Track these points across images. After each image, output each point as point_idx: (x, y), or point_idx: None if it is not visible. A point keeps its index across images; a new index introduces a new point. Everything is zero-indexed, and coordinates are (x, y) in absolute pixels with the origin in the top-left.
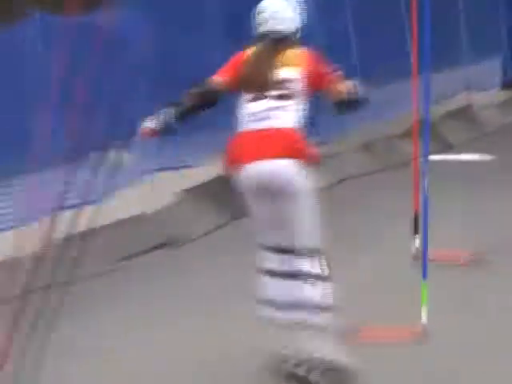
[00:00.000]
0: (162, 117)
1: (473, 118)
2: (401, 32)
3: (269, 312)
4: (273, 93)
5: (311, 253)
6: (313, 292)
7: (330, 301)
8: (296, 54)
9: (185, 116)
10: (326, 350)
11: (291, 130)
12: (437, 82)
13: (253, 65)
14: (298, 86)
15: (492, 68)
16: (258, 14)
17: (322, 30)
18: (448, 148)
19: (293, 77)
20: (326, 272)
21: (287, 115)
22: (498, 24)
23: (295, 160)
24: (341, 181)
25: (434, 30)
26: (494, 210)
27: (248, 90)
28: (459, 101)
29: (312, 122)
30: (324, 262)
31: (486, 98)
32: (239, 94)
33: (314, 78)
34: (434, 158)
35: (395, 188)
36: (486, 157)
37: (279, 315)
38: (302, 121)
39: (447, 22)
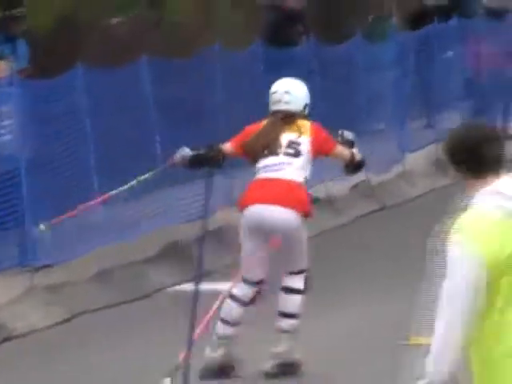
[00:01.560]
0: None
1: None
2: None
3: (226, 329)
4: (283, 151)
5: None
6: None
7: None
8: (303, 124)
9: (196, 162)
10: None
11: (298, 183)
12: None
13: (264, 132)
14: (305, 148)
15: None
16: (272, 93)
17: None
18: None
19: (300, 141)
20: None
21: (295, 171)
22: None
23: (296, 211)
24: (70, 319)
25: None
26: None
27: (250, 152)
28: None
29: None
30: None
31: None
32: (244, 158)
33: (318, 143)
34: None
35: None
36: None
37: (232, 330)
38: (307, 178)
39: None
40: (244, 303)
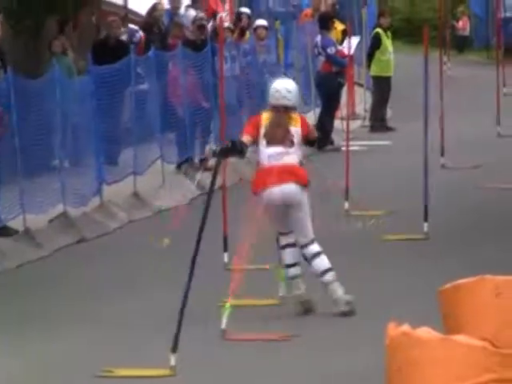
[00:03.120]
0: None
1: None
2: None
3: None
4: (284, 142)
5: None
6: (325, 261)
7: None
8: (296, 117)
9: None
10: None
11: (297, 166)
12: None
13: (275, 124)
14: (298, 138)
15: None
16: (276, 91)
17: None
18: None
19: (295, 132)
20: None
21: (293, 157)
22: None
23: (300, 185)
24: None
25: None
26: None
27: (271, 140)
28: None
29: None
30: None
31: None
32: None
33: (305, 133)
34: None
35: None
36: None
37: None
38: (301, 159)
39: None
40: (294, 245)
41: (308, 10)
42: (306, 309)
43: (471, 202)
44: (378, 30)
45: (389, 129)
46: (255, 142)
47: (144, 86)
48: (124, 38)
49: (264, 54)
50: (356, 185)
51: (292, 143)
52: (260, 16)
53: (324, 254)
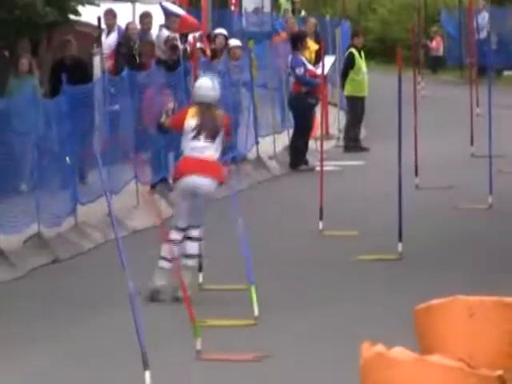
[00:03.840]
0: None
1: None
2: None
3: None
4: (205, 136)
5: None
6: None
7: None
8: (218, 113)
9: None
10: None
11: (215, 161)
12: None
13: (202, 118)
14: (219, 134)
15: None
16: (198, 88)
17: None
18: None
19: (217, 129)
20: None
21: (212, 151)
22: None
23: (214, 179)
24: None
25: None
26: None
27: (198, 132)
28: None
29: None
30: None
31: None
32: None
33: (226, 129)
34: None
35: None
36: None
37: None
38: (220, 154)
39: None
40: (178, 243)
41: (283, 34)
42: (153, 297)
43: (445, 222)
44: (352, 49)
45: (363, 149)
46: (175, 129)
47: (117, 107)
48: (97, 58)
49: (238, 74)
50: (330, 205)
51: (214, 138)
52: (234, 36)
53: (201, 243)
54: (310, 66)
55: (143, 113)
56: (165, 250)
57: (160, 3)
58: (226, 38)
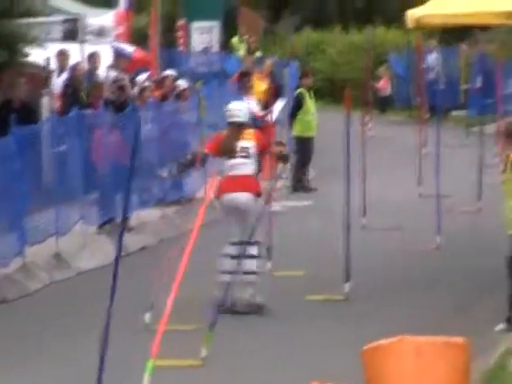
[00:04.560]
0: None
1: None
2: None
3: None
4: (240, 154)
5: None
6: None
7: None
8: (249, 132)
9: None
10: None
11: (252, 176)
12: None
13: (227, 140)
14: (253, 151)
15: None
16: (228, 110)
17: None
18: None
19: (249, 145)
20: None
21: (249, 167)
22: None
23: (254, 195)
24: None
25: None
26: None
27: (226, 154)
28: None
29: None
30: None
31: None
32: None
33: (260, 146)
34: None
35: None
36: None
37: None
38: (256, 170)
39: None
40: (234, 257)
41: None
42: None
43: (392, 262)
44: (301, 90)
45: (310, 189)
46: (213, 155)
47: (65, 147)
48: (46, 98)
49: (186, 114)
50: (278, 245)
51: (248, 155)
52: (182, 76)
53: (258, 261)
54: (252, 107)
55: (92, 153)
56: (222, 264)
57: (111, 44)
58: (175, 79)
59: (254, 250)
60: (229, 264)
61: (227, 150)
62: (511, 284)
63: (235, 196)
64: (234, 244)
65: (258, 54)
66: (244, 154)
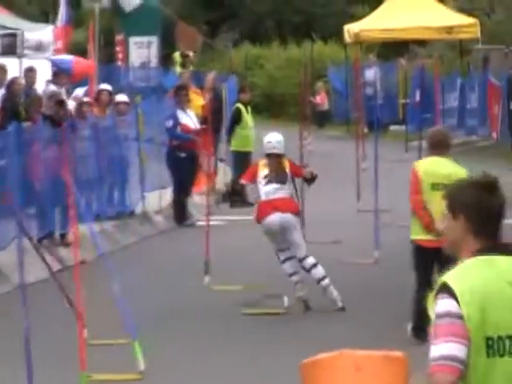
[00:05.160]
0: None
1: None
2: None
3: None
4: (278, 180)
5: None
6: (320, 270)
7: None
8: (285, 160)
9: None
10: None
11: (291, 199)
12: None
13: (272, 169)
14: (288, 177)
15: None
16: (268, 142)
17: None
18: None
19: (286, 173)
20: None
21: (286, 191)
22: None
23: (294, 214)
24: None
25: None
26: None
27: (269, 180)
28: None
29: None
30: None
31: None
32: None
33: (294, 172)
34: None
35: None
36: None
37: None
38: (293, 193)
39: None
40: (291, 258)
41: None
42: (307, 306)
43: (331, 276)
44: (239, 105)
45: (249, 204)
46: (252, 183)
47: (2, 162)
48: None
49: (124, 128)
50: (216, 259)
51: (285, 181)
52: (121, 91)
53: (319, 265)
54: (184, 120)
55: (30, 168)
56: (286, 268)
57: (49, 58)
58: (110, 94)
59: (312, 260)
60: (290, 265)
61: (270, 178)
62: (417, 289)
63: (277, 216)
64: (285, 261)
65: (191, 68)
66: (282, 180)
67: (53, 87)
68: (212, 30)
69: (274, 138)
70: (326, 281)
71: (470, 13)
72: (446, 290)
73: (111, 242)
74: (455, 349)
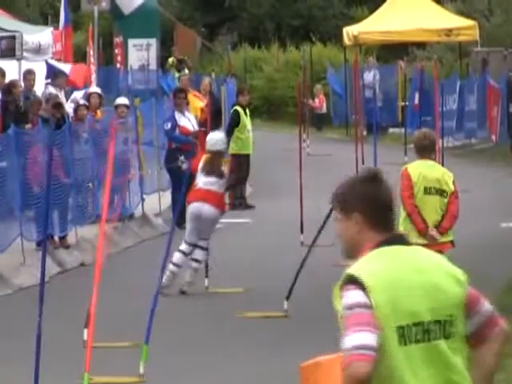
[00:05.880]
0: None
1: None
2: None
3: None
4: (215, 174)
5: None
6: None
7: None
8: (224, 159)
9: None
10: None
11: (219, 193)
12: None
13: (208, 163)
14: (224, 173)
15: None
16: (210, 140)
17: None
18: None
19: (221, 169)
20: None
21: (218, 186)
22: None
23: (218, 209)
24: None
25: None
26: None
27: (206, 173)
28: None
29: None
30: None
31: None
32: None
33: (231, 170)
34: None
35: None
36: None
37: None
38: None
39: None
40: (185, 254)
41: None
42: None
43: (329, 279)
44: (237, 107)
45: (248, 206)
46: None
47: (3, 164)
48: None
49: (124, 131)
50: (216, 262)
51: (222, 177)
52: (119, 93)
53: (205, 251)
54: (183, 122)
55: (29, 170)
56: (175, 256)
57: (45, 61)
58: (101, 96)
59: (203, 243)
60: (180, 259)
61: (208, 170)
62: None
63: (200, 206)
64: (188, 244)
65: (186, 71)
66: (216, 174)
67: (52, 89)
68: (211, 32)
69: (214, 137)
70: (196, 265)
71: (468, 15)
72: (353, 281)
73: (111, 244)
74: (366, 338)
